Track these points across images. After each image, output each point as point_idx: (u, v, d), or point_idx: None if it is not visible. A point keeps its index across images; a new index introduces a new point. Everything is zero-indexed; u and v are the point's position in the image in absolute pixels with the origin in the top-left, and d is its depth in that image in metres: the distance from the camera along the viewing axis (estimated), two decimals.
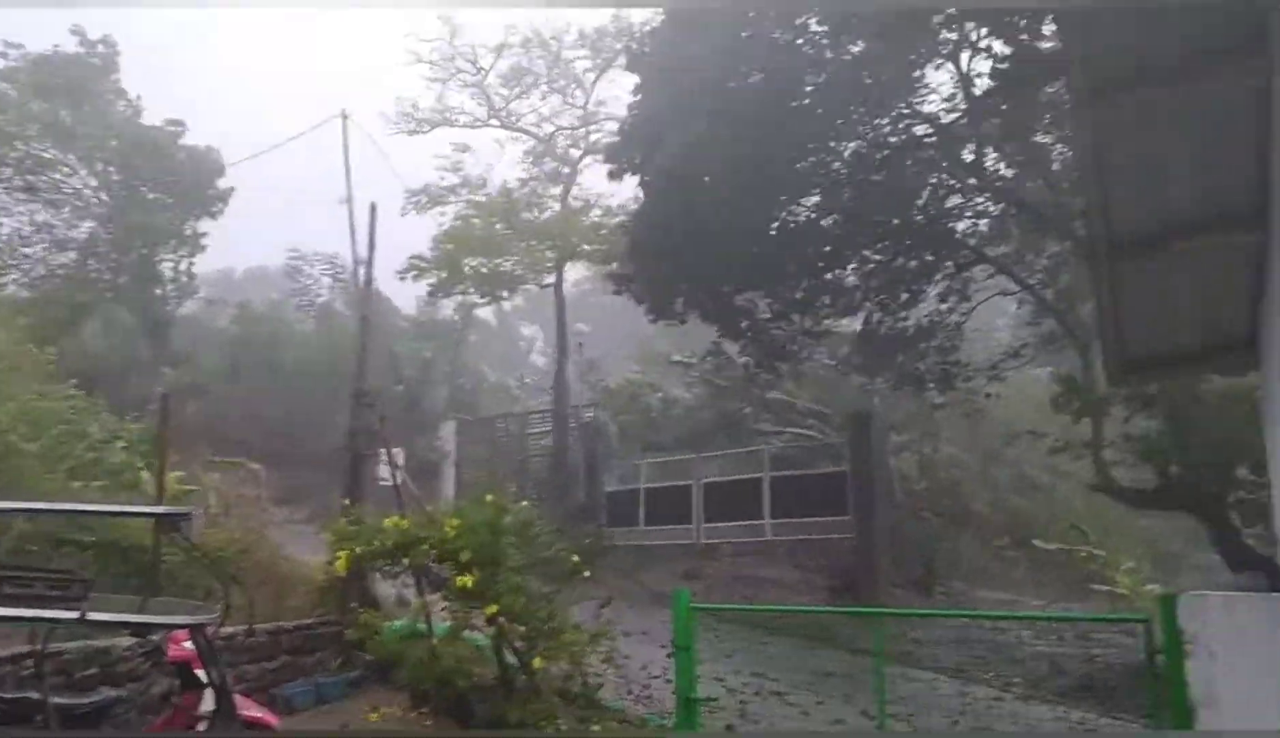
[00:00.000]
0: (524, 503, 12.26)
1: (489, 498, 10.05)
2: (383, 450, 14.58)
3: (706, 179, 15.44)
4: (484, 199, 25.76)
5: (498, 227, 23.79)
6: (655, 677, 11.79)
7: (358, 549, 9.80)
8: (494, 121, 27.76)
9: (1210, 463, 13.81)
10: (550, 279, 25.09)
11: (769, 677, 12.62)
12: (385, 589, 12.97)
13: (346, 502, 12.75)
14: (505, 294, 26.49)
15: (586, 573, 10.56)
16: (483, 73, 27.43)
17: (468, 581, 9.15)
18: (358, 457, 14.73)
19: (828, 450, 19.55)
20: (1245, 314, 4.13)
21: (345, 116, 19.04)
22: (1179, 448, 13.95)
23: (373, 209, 17.15)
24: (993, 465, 23.32)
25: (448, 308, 31.84)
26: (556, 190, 27.17)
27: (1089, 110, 4.18)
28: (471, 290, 26.12)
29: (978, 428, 21.57)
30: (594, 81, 27.59)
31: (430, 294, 27.90)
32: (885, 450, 18.65)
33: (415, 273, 26.14)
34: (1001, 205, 16.98)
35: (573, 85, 27.65)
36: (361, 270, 17.36)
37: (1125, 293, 3.72)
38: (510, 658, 9.64)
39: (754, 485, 19.16)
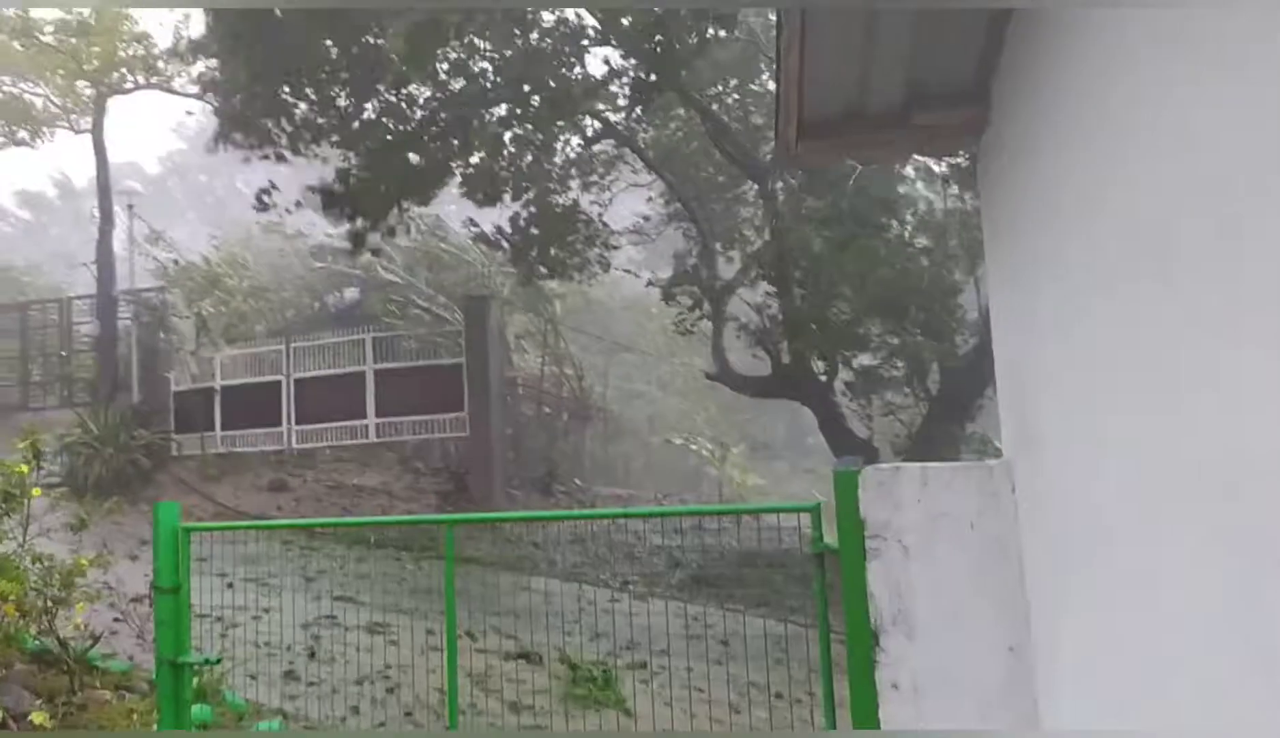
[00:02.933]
0: None
1: None
2: None
3: None
4: None
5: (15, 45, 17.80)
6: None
7: None
8: None
9: (822, 342, 13.79)
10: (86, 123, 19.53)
11: (358, 600, 10.46)
12: None
13: None
14: (27, 137, 20.45)
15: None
16: None
17: None
18: None
19: (448, 342, 17.41)
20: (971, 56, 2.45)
21: None
22: (793, 330, 13.76)
23: None
24: (617, 356, 22.82)
25: None
26: None
27: None
28: None
29: (602, 318, 20.70)
30: None
31: None
32: (504, 342, 16.97)
33: None
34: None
35: None
36: None
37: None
38: None
39: (356, 380, 16.54)
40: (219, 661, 5.27)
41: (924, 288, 12.76)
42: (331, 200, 14.46)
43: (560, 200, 16.60)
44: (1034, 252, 2.96)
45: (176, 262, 21.50)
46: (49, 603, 6.35)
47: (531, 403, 18.99)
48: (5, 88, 19.43)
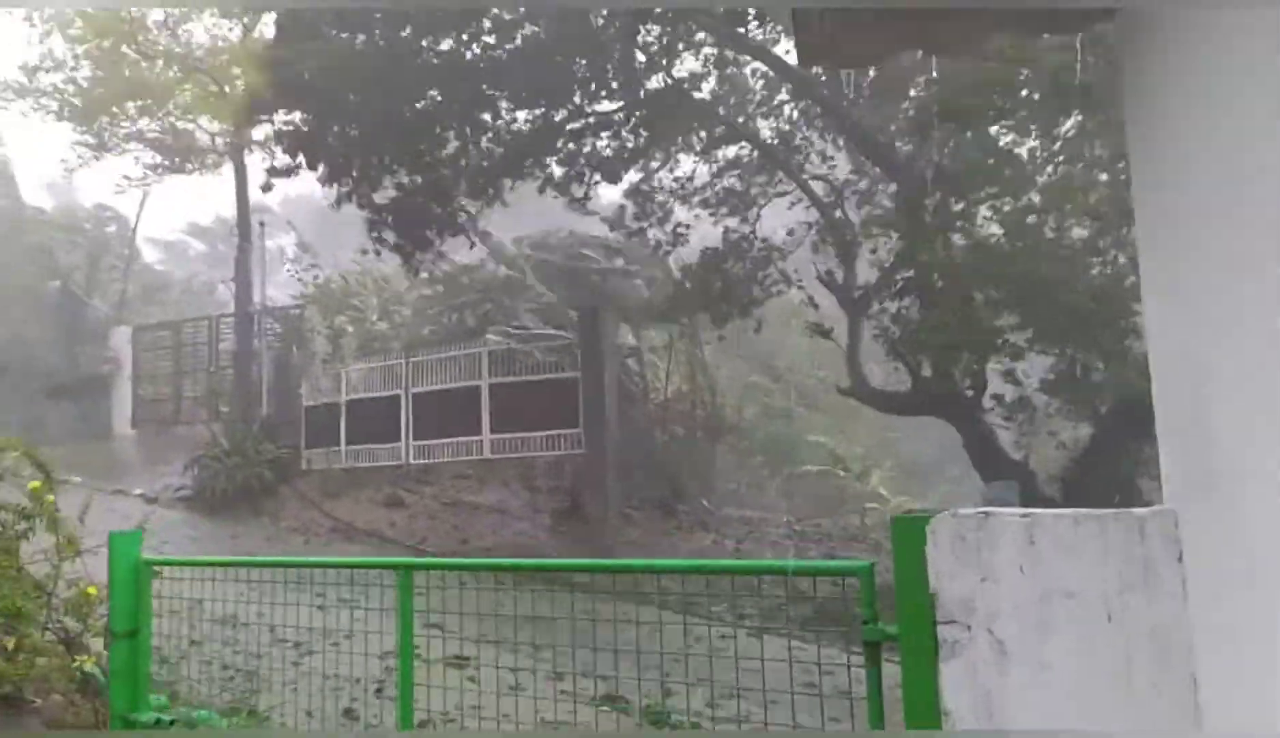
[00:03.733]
0: None
1: None
2: None
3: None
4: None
5: (142, 65, 18.31)
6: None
7: None
8: None
9: (964, 357, 12.22)
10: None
11: (447, 630, 9.79)
12: None
13: None
14: (178, 161, 21.31)
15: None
16: None
17: None
18: None
19: (569, 352, 16.76)
20: None
21: None
22: (931, 342, 12.23)
23: None
24: (755, 371, 21.61)
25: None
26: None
27: None
28: (136, 153, 20.90)
29: (739, 331, 19.57)
30: None
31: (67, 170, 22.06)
32: (621, 351, 16.13)
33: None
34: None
35: None
36: None
37: None
38: None
39: (471, 394, 16.12)
40: (173, 723, 4.49)
41: (1075, 281, 11.01)
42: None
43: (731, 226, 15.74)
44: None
45: (317, 278, 21.99)
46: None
47: (659, 419, 18.09)
48: (169, 120, 20.48)
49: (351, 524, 14.58)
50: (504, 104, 13.69)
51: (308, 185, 17.56)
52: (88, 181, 56.15)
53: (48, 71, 19.23)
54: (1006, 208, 12.25)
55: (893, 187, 14.38)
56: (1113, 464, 11.21)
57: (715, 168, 15.94)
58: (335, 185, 14.42)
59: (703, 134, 15.24)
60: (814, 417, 22.29)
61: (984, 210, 12.81)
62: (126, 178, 22.38)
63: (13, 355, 22.95)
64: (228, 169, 21.06)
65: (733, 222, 16.19)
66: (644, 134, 14.19)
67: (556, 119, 14.00)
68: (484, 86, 12.90)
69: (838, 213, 14.64)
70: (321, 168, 14.06)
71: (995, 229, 12.54)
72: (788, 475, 19.58)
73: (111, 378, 22.40)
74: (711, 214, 16.82)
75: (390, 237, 15.28)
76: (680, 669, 9.23)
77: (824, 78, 13.01)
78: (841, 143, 14.59)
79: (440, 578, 12.13)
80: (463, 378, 16.51)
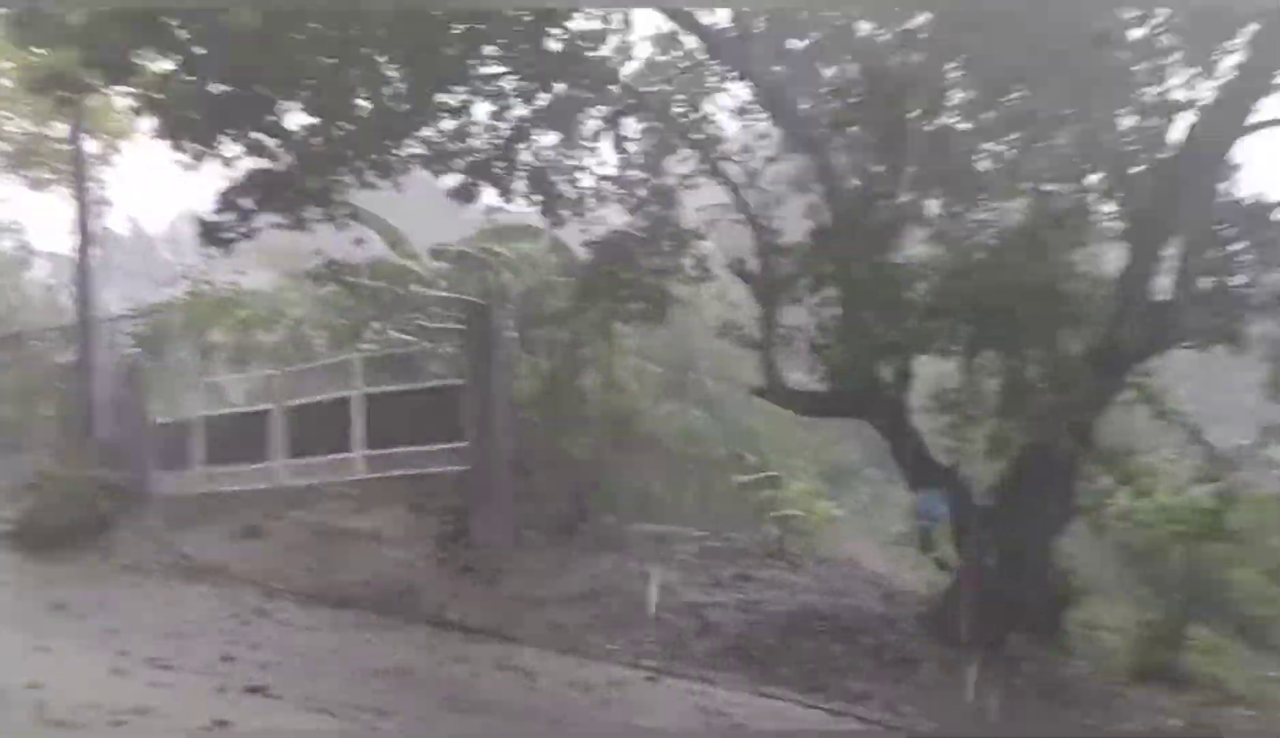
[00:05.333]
0: None
1: None
2: None
3: None
4: None
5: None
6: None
7: None
8: None
9: (889, 356, 10.97)
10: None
11: (272, 694, 8.00)
12: None
13: None
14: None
15: None
16: None
17: None
18: None
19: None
20: None
21: None
22: (853, 337, 10.93)
23: None
24: (666, 372, 20.03)
25: None
26: None
27: None
28: None
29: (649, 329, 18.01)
30: None
31: None
32: (513, 353, 14.40)
33: None
34: None
35: None
36: None
37: None
38: None
39: (343, 407, 14.32)
40: None
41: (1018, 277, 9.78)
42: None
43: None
44: None
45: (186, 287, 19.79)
46: None
47: (560, 429, 16.44)
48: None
49: (199, 561, 12.65)
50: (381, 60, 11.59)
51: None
52: None
53: None
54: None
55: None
56: (1051, 474, 10.05)
57: (624, 144, 14.11)
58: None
59: (605, 108, 13.45)
60: (730, 421, 20.93)
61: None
62: None
63: None
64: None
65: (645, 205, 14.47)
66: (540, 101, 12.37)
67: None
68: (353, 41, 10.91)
69: (752, 197, 13.20)
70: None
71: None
72: (702, 487, 18.16)
73: None
74: (620, 198, 14.93)
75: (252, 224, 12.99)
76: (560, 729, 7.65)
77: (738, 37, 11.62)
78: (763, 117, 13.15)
79: (302, 616, 10.19)
80: (335, 389, 14.70)
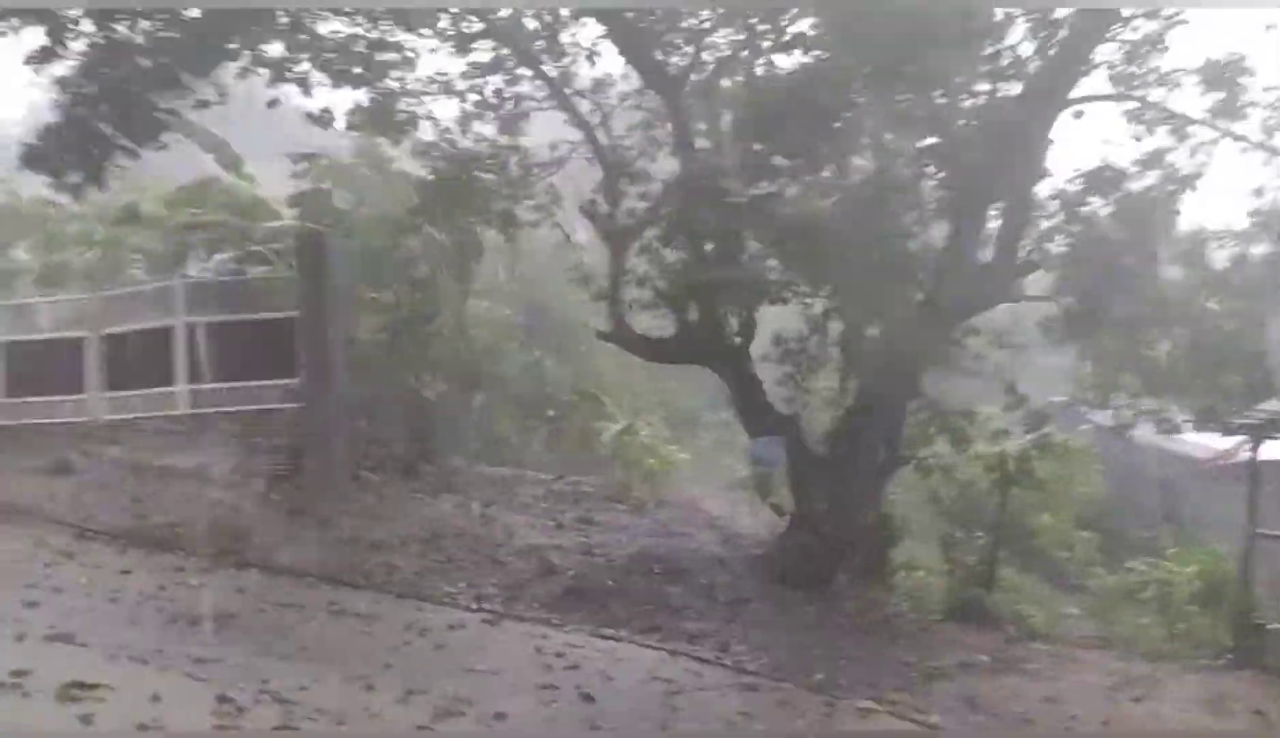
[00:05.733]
0: None
1: None
2: None
3: None
4: None
5: None
6: None
7: None
8: None
9: (732, 303, 11.18)
10: None
11: (77, 641, 7.47)
12: None
13: None
14: None
15: None
16: None
17: None
18: None
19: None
20: None
21: None
22: (699, 285, 11.06)
23: None
24: (513, 309, 19.76)
25: None
26: None
27: None
28: None
29: (491, 265, 17.67)
30: None
31: None
32: (354, 285, 13.78)
33: None
34: None
35: None
36: None
37: None
38: None
39: (165, 337, 13.40)
40: None
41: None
42: None
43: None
44: None
45: None
46: None
47: (401, 364, 15.94)
48: None
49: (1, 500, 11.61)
50: None
51: None
52: None
53: None
54: None
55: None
56: (880, 424, 10.57)
57: (470, 69, 13.45)
58: None
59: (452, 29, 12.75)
60: (577, 363, 20.93)
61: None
62: None
63: None
64: None
65: (490, 131, 13.93)
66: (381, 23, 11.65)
67: None
68: None
69: (602, 134, 13.01)
70: None
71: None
72: (548, 429, 18.19)
73: None
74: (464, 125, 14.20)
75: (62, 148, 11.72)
76: (398, 670, 7.51)
77: None
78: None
79: (115, 558, 9.48)
80: (157, 317, 13.71)
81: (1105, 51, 10.53)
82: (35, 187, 18.00)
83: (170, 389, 13.37)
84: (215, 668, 7.08)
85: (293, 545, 10.83)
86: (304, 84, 11.39)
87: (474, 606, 9.52)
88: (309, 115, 12.05)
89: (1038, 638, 10.85)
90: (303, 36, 11.33)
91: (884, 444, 10.97)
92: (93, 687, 6.48)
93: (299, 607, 8.97)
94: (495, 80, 12.99)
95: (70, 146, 10.29)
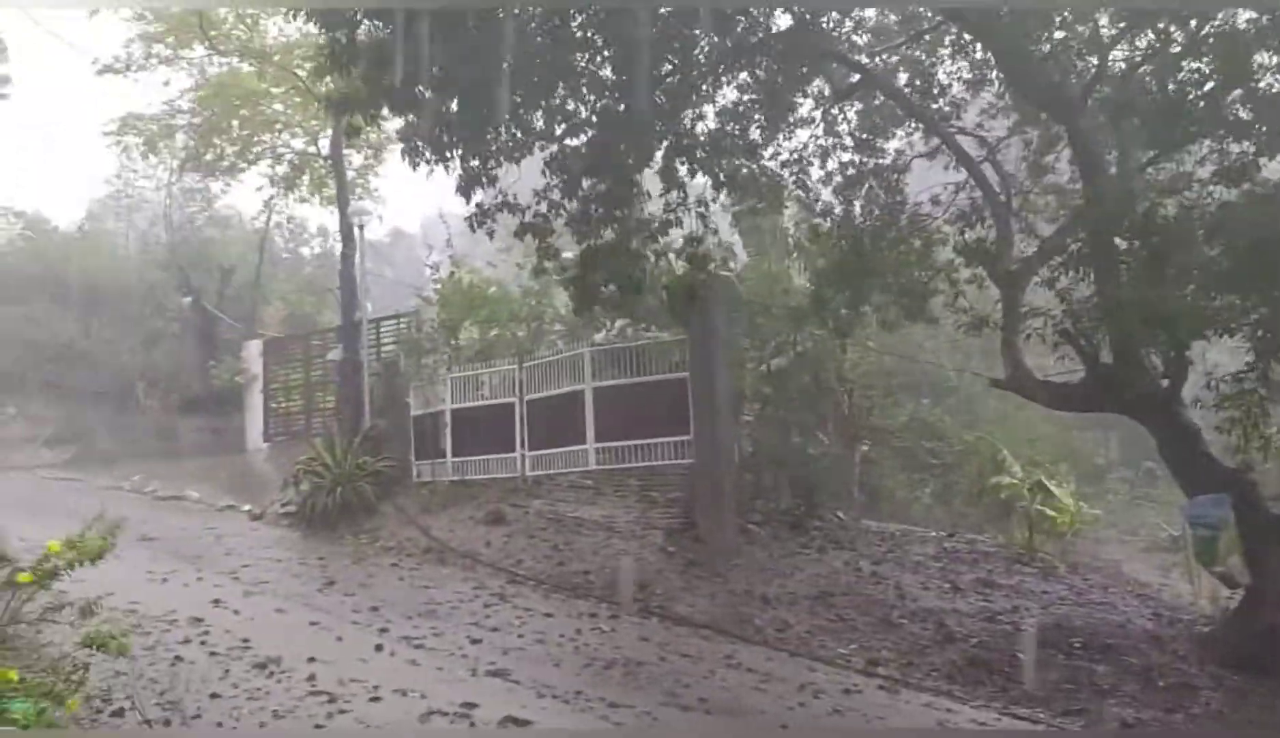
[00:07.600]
0: None
1: None
2: None
3: None
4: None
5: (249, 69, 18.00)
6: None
7: None
8: None
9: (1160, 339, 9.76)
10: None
11: (511, 678, 8.38)
12: None
13: None
14: (288, 169, 21.24)
15: None
16: None
17: None
18: None
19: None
20: None
21: None
22: (1117, 321, 9.80)
23: None
24: (896, 362, 19.14)
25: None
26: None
27: None
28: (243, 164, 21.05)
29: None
30: None
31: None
32: (738, 346, 14.24)
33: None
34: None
35: None
36: None
37: None
38: None
39: (576, 400, 14.82)
40: None
41: None
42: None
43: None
44: None
45: (435, 285, 21.24)
46: None
47: (787, 421, 16.12)
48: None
49: (446, 543, 13.53)
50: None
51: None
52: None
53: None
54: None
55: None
56: None
57: (844, 119, 13.33)
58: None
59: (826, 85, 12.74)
60: (968, 414, 19.67)
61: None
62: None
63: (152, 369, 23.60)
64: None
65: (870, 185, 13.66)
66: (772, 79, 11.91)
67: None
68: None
69: (990, 170, 12.27)
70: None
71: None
72: (938, 482, 17.23)
73: (244, 391, 22.60)
74: (841, 193, 14.15)
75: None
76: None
77: None
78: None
79: (539, 602, 10.53)
80: (569, 383, 15.26)
81: None
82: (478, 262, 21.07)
83: (581, 447, 14.74)
84: (624, 714, 7.53)
85: (689, 596, 11.30)
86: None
87: (869, 670, 9.17)
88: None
89: None
90: None
91: None
92: (523, 724, 7.23)
93: (698, 658, 9.27)
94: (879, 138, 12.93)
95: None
